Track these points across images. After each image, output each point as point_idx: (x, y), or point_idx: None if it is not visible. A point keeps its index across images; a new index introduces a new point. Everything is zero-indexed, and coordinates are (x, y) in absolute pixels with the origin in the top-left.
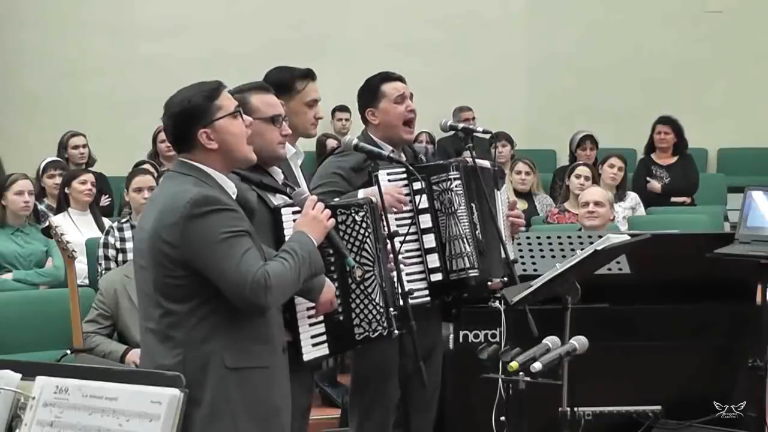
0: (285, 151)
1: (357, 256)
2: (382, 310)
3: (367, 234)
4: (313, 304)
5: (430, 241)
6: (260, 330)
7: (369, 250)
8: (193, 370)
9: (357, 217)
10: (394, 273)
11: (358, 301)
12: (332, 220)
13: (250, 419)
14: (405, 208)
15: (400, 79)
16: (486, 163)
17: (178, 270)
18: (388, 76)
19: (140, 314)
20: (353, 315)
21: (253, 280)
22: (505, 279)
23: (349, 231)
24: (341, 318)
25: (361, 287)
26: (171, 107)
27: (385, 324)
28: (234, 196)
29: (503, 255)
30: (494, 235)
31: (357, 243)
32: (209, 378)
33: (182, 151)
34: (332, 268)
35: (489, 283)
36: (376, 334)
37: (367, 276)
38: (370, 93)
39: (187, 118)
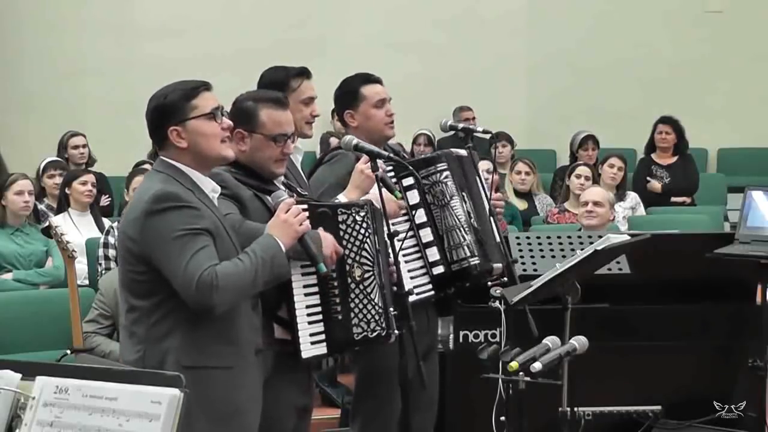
0: (282, 169)
1: (357, 255)
2: (381, 310)
3: (367, 234)
4: (314, 302)
5: (427, 235)
6: (223, 330)
7: (369, 250)
8: (151, 367)
9: (358, 217)
10: (394, 273)
11: (357, 300)
12: (306, 224)
13: (207, 419)
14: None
15: (379, 81)
16: (461, 152)
17: (140, 266)
18: (367, 79)
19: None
20: (352, 315)
21: (200, 279)
22: (505, 279)
23: (349, 231)
24: (340, 317)
25: (361, 287)
26: (150, 102)
27: (384, 325)
28: (215, 194)
29: (497, 239)
30: (489, 224)
31: (357, 243)
32: None
33: (159, 148)
34: (332, 267)
35: (493, 274)
36: (375, 334)
37: (366, 276)
38: (349, 95)
39: (160, 115)
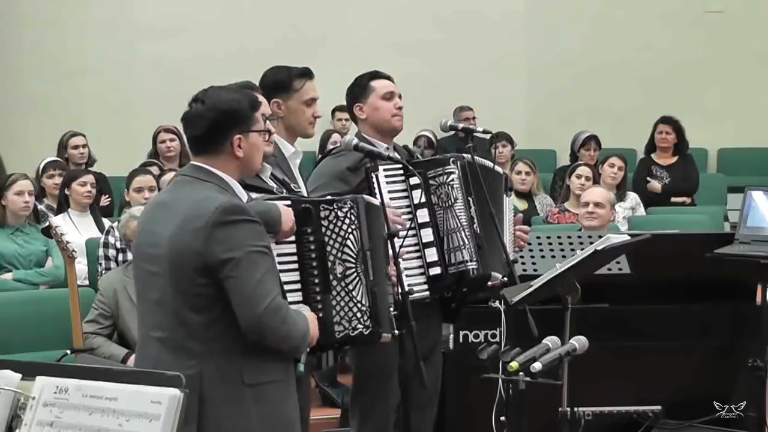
0: (270, 147)
1: (339, 252)
2: (364, 309)
3: (350, 230)
4: (295, 299)
5: (428, 235)
6: None
7: (351, 246)
8: (210, 384)
9: (340, 213)
10: (394, 272)
11: (338, 298)
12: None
13: None
14: (403, 204)
15: (389, 78)
16: (498, 169)
17: (200, 278)
18: (377, 74)
19: (142, 321)
20: (333, 312)
21: (271, 304)
22: (506, 279)
23: (330, 227)
24: (321, 315)
25: (342, 284)
26: (218, 104)
27: (368, 323)
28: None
29: (503, 254)
30: (493, 234)
31: (339, 239)
32: (227, 394)
33: (202, 152)
34: (314, 264)
35: (489, 283)
36: (356, 332)
37: (348, 273)
38: (358, 88)
39: (231, 120)
